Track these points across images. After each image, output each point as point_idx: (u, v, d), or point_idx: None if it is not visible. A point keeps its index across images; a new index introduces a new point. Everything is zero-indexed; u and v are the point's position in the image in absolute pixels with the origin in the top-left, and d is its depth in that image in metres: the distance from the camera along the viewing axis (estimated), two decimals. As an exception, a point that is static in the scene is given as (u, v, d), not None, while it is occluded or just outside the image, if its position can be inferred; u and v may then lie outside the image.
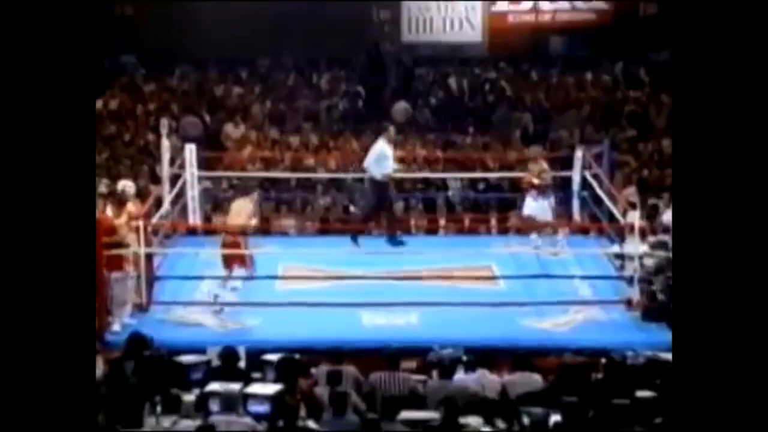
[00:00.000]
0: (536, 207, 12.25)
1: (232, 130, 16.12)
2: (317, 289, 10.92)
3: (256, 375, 8.11)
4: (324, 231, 13.73)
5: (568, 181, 13.23)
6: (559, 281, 11.07)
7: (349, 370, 8.24)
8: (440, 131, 16.30)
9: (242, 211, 10.58)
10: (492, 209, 14.07)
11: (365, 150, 15.43)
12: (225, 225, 10.73)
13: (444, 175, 14.51)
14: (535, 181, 12.23)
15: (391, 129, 12.57)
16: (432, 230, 13.82)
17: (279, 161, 15.01)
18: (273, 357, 8.15)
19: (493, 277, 11.42)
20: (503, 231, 13.62)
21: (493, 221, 13.86)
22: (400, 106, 16.86)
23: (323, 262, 11.48)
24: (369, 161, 12.26)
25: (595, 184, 12.61)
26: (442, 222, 13.93)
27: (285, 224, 13.82)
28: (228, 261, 10.44)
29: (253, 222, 10.65)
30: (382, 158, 12.17)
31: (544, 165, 12.44)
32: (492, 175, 14.34)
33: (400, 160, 13.10)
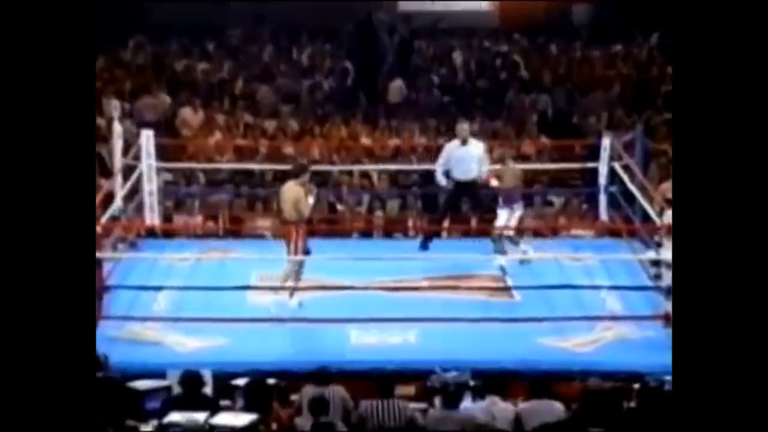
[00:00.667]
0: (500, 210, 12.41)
1: (191, 116, 15.95)
2: (297, 302, 10.87)
3: (225, 403, 8.12)
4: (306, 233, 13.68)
5: (594, 174, 13.27)
6: (584, 293, 11.07)
7: (336, 395, 8.24)
8: (443, 115, 16.26)
9: (294, 196, 10.80)
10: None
11: (354, 138, 15.46)
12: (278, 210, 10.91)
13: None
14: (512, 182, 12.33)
15: (464, 126, 12.55)
16: (434, 232, 13.78)
17: (253, 150, 14.97)
18: (243, 381, 8.13)
19: (506, 288, 11.44)
20: (517, 234, 13.57)
21: (505, 222, 13.84)
22: (396, 85, 16.86)
23: (305, 269, 11.44)
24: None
25: (625, 177, 12.63)
26: (445, 223, 13.89)
27: (260, 225, 13.79)
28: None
29: (306, 211, 10.95)
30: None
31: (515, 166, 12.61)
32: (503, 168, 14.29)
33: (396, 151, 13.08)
